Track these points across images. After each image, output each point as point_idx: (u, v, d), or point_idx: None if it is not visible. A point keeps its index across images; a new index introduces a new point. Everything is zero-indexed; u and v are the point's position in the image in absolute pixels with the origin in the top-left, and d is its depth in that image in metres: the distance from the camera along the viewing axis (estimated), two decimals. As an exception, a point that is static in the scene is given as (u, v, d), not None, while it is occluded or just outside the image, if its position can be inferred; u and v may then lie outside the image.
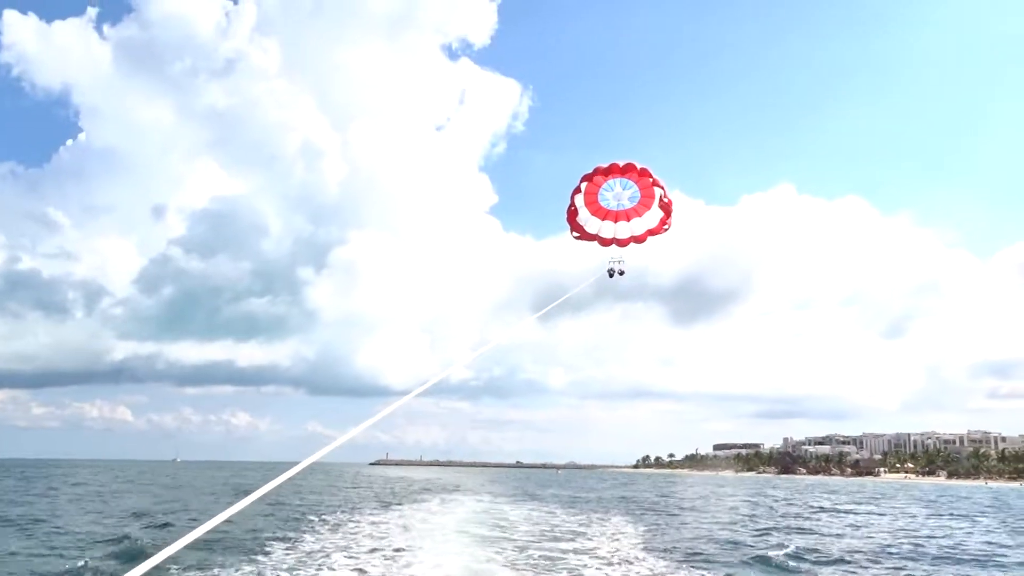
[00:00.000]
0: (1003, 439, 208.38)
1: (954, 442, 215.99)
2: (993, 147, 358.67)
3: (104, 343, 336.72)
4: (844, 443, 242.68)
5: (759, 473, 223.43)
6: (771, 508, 50.48)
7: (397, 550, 21.14)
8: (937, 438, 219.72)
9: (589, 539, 25.53)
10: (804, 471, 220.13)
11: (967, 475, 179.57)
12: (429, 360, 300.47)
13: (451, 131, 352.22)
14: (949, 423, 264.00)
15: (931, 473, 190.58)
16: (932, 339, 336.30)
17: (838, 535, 31.30)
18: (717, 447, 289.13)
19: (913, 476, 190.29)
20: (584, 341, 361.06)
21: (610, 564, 19.87)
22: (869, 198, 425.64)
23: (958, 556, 25.17)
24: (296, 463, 7.17)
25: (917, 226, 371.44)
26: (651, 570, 19.18)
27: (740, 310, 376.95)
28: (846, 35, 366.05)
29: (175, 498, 47.53)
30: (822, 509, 50.35)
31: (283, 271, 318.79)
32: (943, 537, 31.90)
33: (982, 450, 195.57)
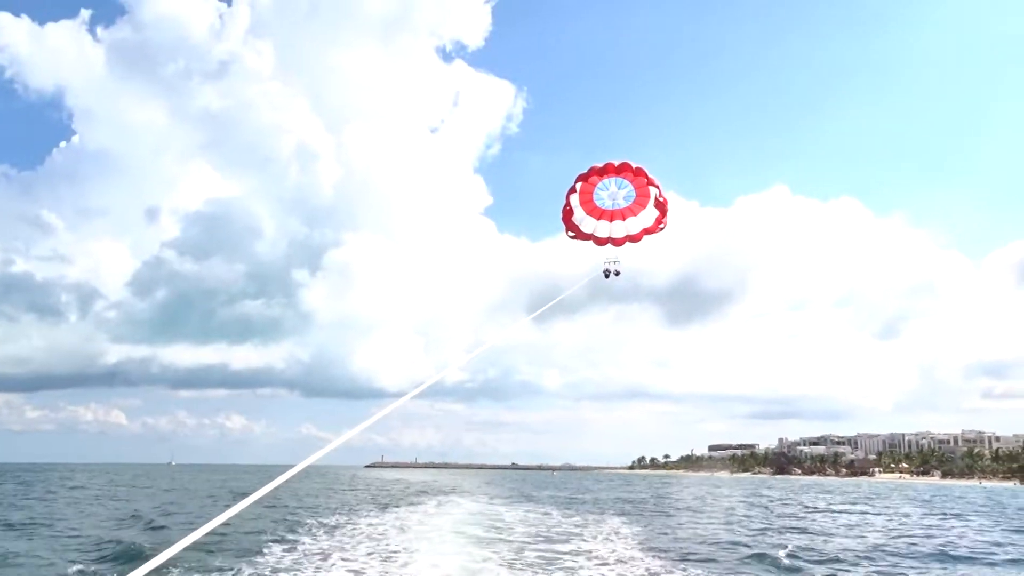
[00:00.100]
0: (997, 439, 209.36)
1: (948, 442, 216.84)
2: (985, 149, 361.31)
3: (98, 346, 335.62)
4: (839, 443, 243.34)
5: (754, 474, 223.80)
6: (767, 508, 50.60)
7: (394, 551, 21.18)
8: (931, 438, 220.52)
9: (585, 540, 25.56)
10: (799, 472, 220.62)
11: (961, 475, 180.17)
12: (424, 362, 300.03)
13: (445, 133, 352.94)
14: (943, 423, 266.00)
15: (925, 473, 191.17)
16: (926, 339, 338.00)
17: (833, 535, 31.43)
18: (712, 448, 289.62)
19: (908, 476, 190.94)
20: (579, 343, 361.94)
21: (607, 564, 19.92)
22: (863, 199, 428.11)
23: (951, 554, 25.33)
24: (291, 466, 7.22)
25: (910, 227, 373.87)
26: (648, 570, 19.22)
27: (735, 311, 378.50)
28: (844, 36, 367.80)
29: (173, 500, 47.48)
30: (817, 509, 50.50)
31: (278, 273, 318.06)
32: (937, 536, 32.05)
33: (976, 450, 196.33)
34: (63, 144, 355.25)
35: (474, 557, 20.12)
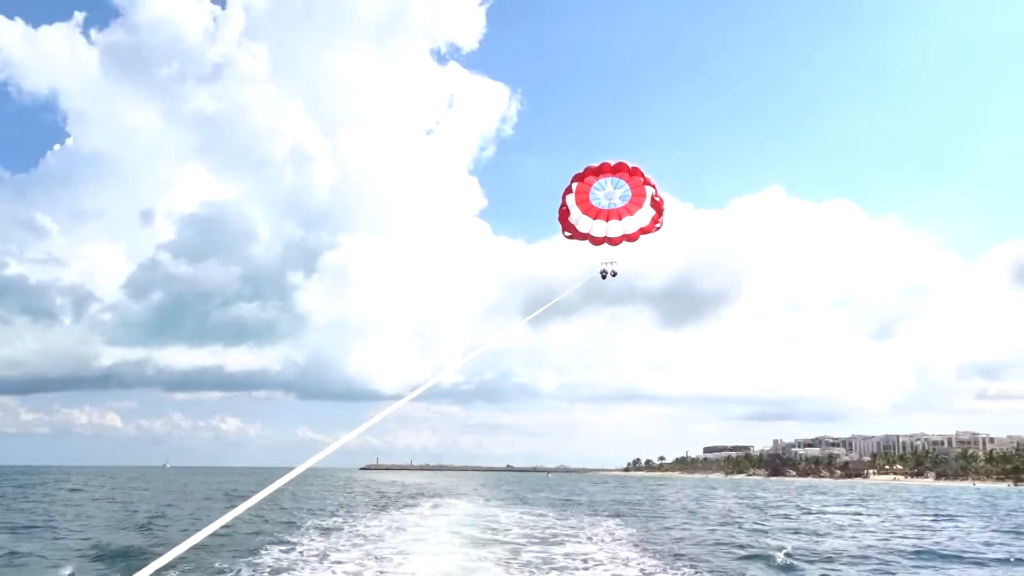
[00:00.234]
0: (991, 440, 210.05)
1: (942, 443, 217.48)
2: (980, 150, 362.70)
3: (93, 349, 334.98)
4: (833, 445, 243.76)
5: (749, 475, 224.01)
6: (761, 510, 50.73)
7: (391, 552, 21.21)
8: (926, 439, 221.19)
9: (580, 542, 25.61)
10: (794, 473, 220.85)
11: (955, 476, 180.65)
12: (420, 364, 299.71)
13: (440, 135, 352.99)
14: (937, 424, 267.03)
15: (920, 474, 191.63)
16: (921, 340, 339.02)
17: (828, 536, 31.55)
18: (707, 450, 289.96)
19: (902, 477, 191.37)
20: (574, 345, 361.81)
21: (602, 565, 19.98)
22: (857, 201, 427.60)
23: (944, 554, 25.48)
24: (286, 468, 7.30)
25: (905, 228, 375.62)
26: (643, 571, 19.28)
27: (730, 312, 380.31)
28: (837, 39, 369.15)
29: (170, 503, 47.42)
30: (812, 511, 50.65)
31: (273, 276, 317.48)
32: (930, 537, 32.21)
33: (970, 451, 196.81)
34: (57, 147, 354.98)
35: (470, 557, 20.19)
